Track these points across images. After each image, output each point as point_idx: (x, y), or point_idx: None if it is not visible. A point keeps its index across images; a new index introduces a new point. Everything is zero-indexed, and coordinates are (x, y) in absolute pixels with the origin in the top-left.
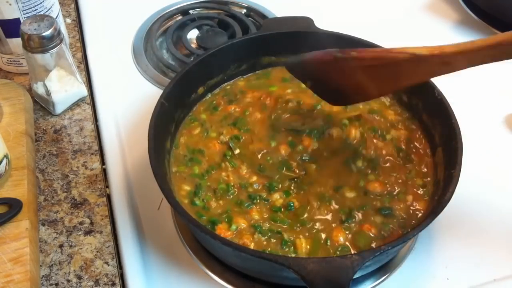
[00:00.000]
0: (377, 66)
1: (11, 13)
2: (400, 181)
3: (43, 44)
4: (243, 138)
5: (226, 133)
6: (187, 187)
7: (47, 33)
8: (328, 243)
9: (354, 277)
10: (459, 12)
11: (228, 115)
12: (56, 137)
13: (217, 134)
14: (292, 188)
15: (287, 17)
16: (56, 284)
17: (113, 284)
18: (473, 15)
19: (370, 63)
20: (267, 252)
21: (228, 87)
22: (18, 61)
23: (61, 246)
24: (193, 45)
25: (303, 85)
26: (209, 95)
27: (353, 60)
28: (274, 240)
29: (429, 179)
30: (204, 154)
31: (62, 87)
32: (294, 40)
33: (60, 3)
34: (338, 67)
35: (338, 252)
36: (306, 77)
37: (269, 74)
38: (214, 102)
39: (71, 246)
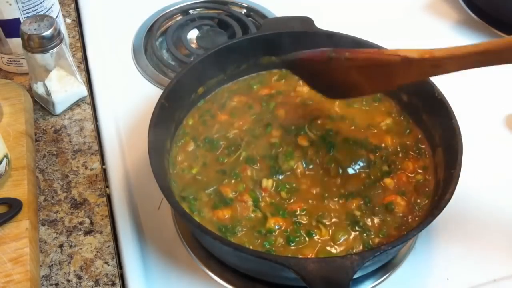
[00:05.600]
0: (370, 66)
1: (11, 13)
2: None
3: (43, 44)
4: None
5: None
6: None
7: (47, 33)
8: None
9: (354, 277)
10: (459, 12)
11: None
12: (56, 137)
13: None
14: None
15: (287, 17)
16: (56, 284)
17: (113, 284)
18: (473, 15)
19: (363, 63)
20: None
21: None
22: (18, 61)
23: (61, 246)
24: (193, 45)
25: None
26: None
27: (347, 60)
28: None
29: (429, 177)
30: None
31: (62, 87)
32: (294, 40)
33: (60, 3)
34: (332, 66)
35: None
36: (302, 74)
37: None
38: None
39: (71, 246)
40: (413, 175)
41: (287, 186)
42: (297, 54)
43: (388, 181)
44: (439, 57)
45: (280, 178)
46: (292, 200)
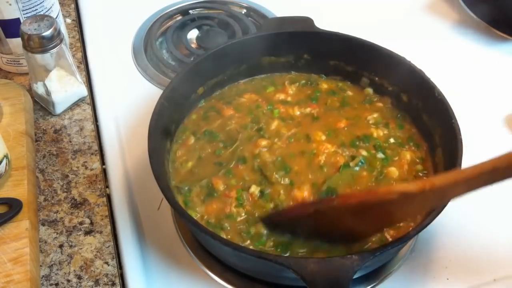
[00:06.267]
0: (365, 209)
1: (11, 13)
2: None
3: (43, 44)
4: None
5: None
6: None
7: (47, 33)
8: None
9: (354, 277)
10: (459, 12)
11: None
12: (56, 137)
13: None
14: None
15: (287, 17)
16: (56, 284)
17: (113, 284)
18: (473, 15)
19: (356, 208)
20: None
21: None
22: (18, 61)
23: (61, 246)
24: (193, 45)
25: None
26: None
27: (337, 209)
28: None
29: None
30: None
31: (62, 87)
32: (294, 40)
33: (60, 3)
34: (321, 218)
35: None
36: (287, 231)
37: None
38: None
39: (71, 246)
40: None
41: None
42: (277, 212)
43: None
44: (440, 185)
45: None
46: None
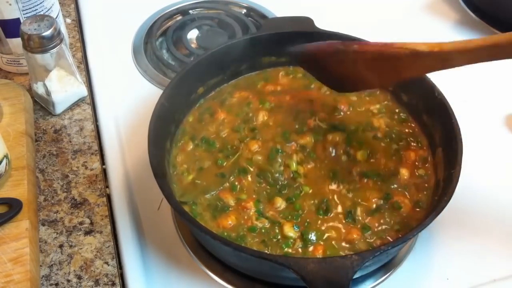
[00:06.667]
0: (378, 60)
1: (11, 13)
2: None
3: (43, 44)
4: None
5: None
6: None
7: (47, 33)
8: None
9: (354, 277)
10: (459, 12)
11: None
12: (56, 137)
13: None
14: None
15: (287, 17)
16: (56, 284)
17: (113, 284)
18: (473, 15)
19: (371, 56)
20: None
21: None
22: (18, 61)
23: (61, 246)
24: (193, 45)
25: None
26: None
27: (355, 53)
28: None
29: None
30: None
31: (62, 87)
32: (294, 40)
33: (60, 3)
34: (339, 59)
35: None
36: (309, 66)
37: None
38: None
39: (71, 246)
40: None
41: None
42: (303, 46)
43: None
44: (448, 50)
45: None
46: None
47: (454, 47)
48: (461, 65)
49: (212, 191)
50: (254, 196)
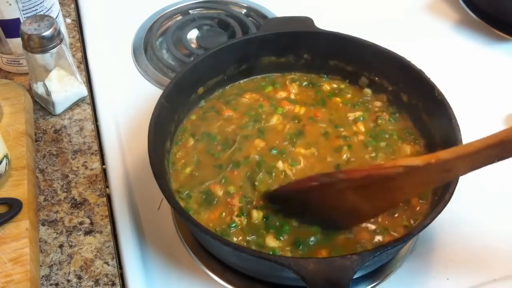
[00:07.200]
0: (369, 185)
1: (11, 13)
2: None
3: (43, 44)
4: None
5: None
6: None
7: (47, 33)
8: None
9: (354, 277)
10: (459, 12)
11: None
12: (56, 137)
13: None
14: None
15: (287, 17)
16: (56, 284)
17: (113, 284)
18: (473, 15)
19: (361, 182)
20: None
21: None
22: (18, 61)
23: (61, 246)
24: (193, 45)
25: None
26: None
27: (342, 182)
28: None
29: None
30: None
31: (62, 87)
32: (294, 40)
33: (60, 3)
34: (325, 193)
35: None
36: (289, 208)
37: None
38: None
39: (71, 246)
40: None
41: None
42: (281, 186)
43: None
44: (446, 159)
45: None
46: None
47: (452, 155)
48: (465, 173)
49: (206, 182)
50: (240, 192)
